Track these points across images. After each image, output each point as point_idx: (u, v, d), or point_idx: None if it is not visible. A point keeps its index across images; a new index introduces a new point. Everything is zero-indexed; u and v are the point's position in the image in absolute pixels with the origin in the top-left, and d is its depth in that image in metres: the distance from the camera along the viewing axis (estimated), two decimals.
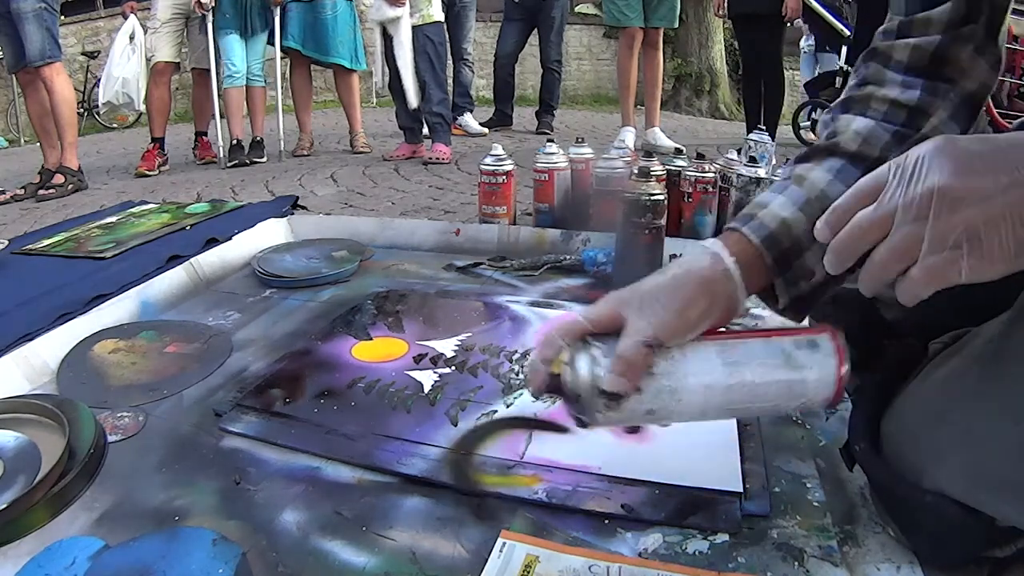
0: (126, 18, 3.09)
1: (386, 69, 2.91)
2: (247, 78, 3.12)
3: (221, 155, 3.11)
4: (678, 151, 1.59)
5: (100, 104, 3.08)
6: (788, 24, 3.29)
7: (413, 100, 2.84)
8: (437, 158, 2.88)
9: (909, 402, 0.59)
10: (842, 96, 0.64)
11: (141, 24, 3.12)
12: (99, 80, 3.10)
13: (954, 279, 0.40)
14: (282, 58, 3.34)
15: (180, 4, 3.06)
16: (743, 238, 0.56)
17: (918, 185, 0.41)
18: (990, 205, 0.39)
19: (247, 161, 3.08)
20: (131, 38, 3.03)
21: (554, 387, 0.54)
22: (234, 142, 3.11)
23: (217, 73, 3.07)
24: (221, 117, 3.13)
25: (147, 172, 3.05)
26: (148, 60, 3.10)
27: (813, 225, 0.50)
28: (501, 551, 0.57)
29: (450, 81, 3.91)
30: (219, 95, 3.09)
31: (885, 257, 0.43)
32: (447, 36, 3.22)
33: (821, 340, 0.55)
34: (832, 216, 0.46)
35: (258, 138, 3.20)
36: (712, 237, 0.62)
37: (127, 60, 3.01)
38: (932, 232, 0.40)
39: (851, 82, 0.64)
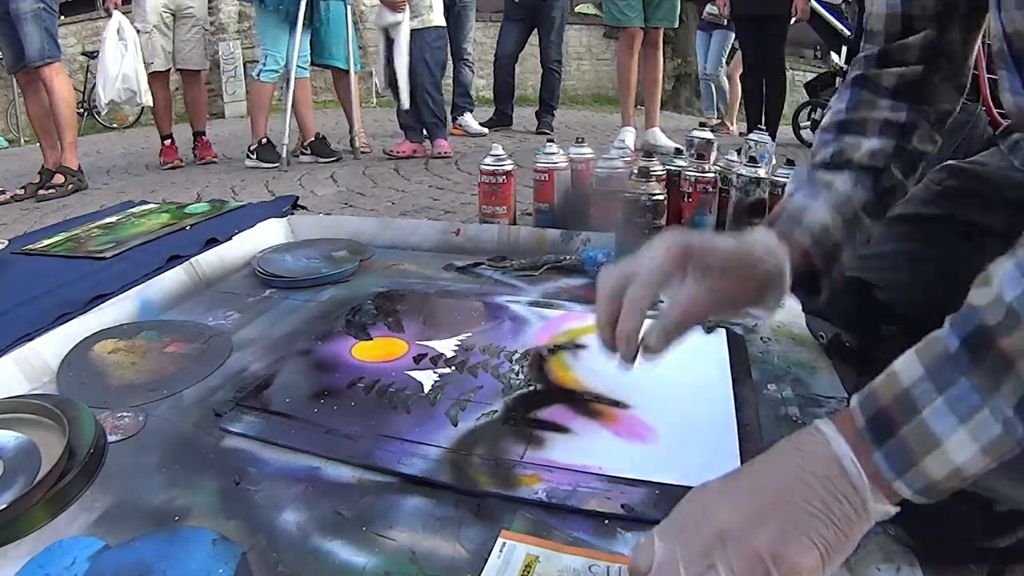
0: (110, 15, 3.03)
1: (387, 70, 2.93)
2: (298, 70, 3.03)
3: (284, 154, 2.98)
4: (678, 151, 1.59)
5: (103, 105, 3.04)
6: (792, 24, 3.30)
7: (405, 102, 2.91)
8: (442, 153, 3.00)
9: None
10: (834, 117, 0.70)
11: (128, 19, 3.07)
12: (83, 101, 3.07)
13: None
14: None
15: (169, 4, 3.06)
16: (793, 239, 0.60)
17: (697, 539, 0.43)
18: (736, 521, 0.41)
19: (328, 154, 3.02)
20: (119, 34, 3.00)
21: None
22: (264, 140, 3.02)
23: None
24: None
25: (178, 163, 3.15)
26: (146, 64, 3.10)
27: (846, 224, 0.61)
28: (501, 551, 0.57)
29: (450, 81, 3.92)
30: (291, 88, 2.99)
31: None
32: (448, 38, 3.28)
33: None
34: None
35: (321, 135, 3.14)
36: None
37: (121, 57, 2.96)
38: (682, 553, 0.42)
39: (841, 103, 0.71)
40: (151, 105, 3.19)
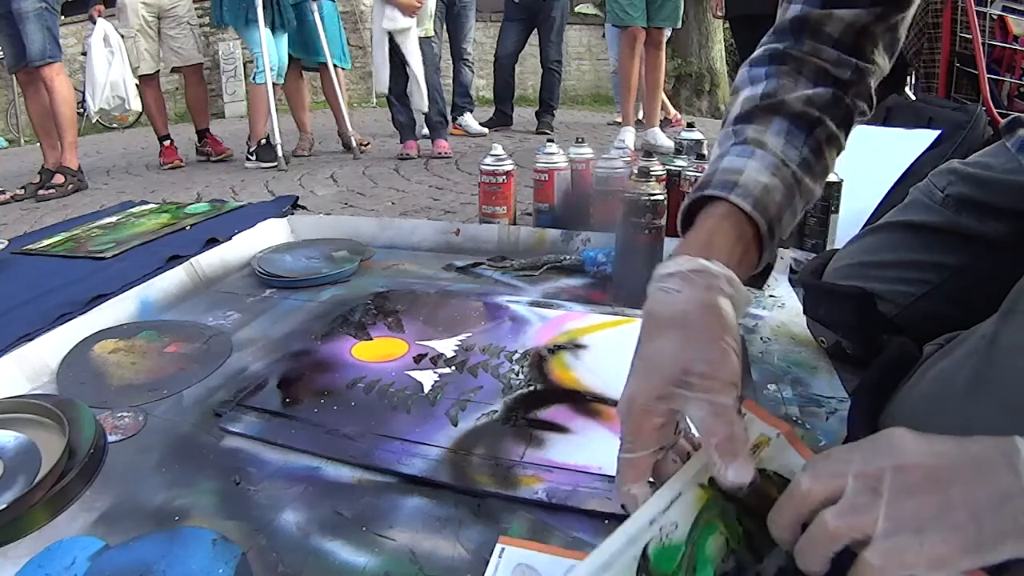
0: (94, 22, 3.04)
1: (392, 75, 2.94)
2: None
3: (280, 154, 2.97)
4: (678, 151, 1.59)
5: (93, 112, 3.05)
6: None
7: (423, 104, 2.96)
8: (443, 153, 3.03)
9: (907, 397, 0.59)
10: (766, 52, 0.62)
11: (112, 26, 3.08)
12: (83, 90, 3.07)
13: (915, 568, 0.34)
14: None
15: (150, 6, 3.06)
16: (731, 206, 0.52)
17: (875, 461, 0.38)
18: (950, 493, 0.35)
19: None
20: (105, 43, 3.00)
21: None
22: (263, 141, 3.03)
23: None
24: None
25: (178, 163, 3.16)
26: (133, 69, 3.10)
27: (787, 191, 0.53)
28: (500, 557, 0.57)
29: (450, 81, 3.93)
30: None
31: (836, 524, 0.37)
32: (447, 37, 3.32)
33: None
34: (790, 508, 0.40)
35: (268, 140, 3.14)
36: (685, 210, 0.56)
37: (108, 65, 2.98)
38: (887, 509, 0.35)
39: (778, 42, 0.62)
40: (139, 111, 3.19)
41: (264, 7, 2.87)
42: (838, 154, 0.61)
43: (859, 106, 0.61)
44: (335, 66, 3.29)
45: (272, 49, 2.97)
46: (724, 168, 0.55)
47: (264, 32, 2.89)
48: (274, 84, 3.01)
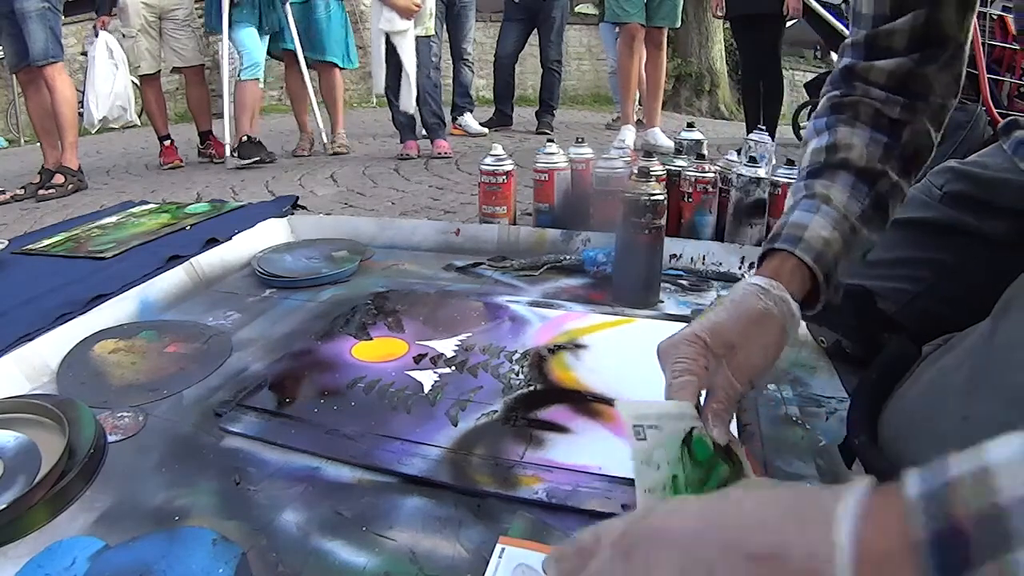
0: (97, 34, 3.03)
1: (388, 74, 2.94)
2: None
3: (227, 153, 3.07)
4: (678, 151, 1.59)
5: (95, 122, 3.03)
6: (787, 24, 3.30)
7: (411, 105, 2.94)
8: (443, 153, 3.03)
9: (907, 395, 0.60)
10: (827, 102, 0.68)
11: (116, 34, 3.08)
12: (83, 98, 3.07)
13: None
14: (275, 59, 3.35)
15: (152, 7, 3.06)
16: (794, 259, 0.60)
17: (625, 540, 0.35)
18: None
19: (268, 160, 3.06)
20: (109, 54, 3.00)
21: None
22: (244, 139, 3.05)
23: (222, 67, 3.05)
24: (223, 114, 3.12)
25: (178, 163, 3.17)
26: (134, 68, 3.10)
27: (844, 239, 0.60)
28: (500, 557, 0.57)
29: (450, 81, 3.93)
30: (228, 89, 3.06)
31: None
32: (447, 37, 3.31)
33: None
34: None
35: (250, 138, 3.16)
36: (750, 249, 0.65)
37: (112, 76, 2.99)
38: None
39: (834, 90, 0.69)
40: (138, 123, 3.20)
41: (247, 8, 2.92)
42: (903, 201, 0.67)
43: (920, 143, 0.65)
44: (336, 66, 3.29)
45: (256, 46, 3.00)
46: (792, 223, 0.62)
47: (248, 32, 2.95)
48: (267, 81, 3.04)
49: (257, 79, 3.06)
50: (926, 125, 0.65)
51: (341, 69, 3.35)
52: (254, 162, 2.99)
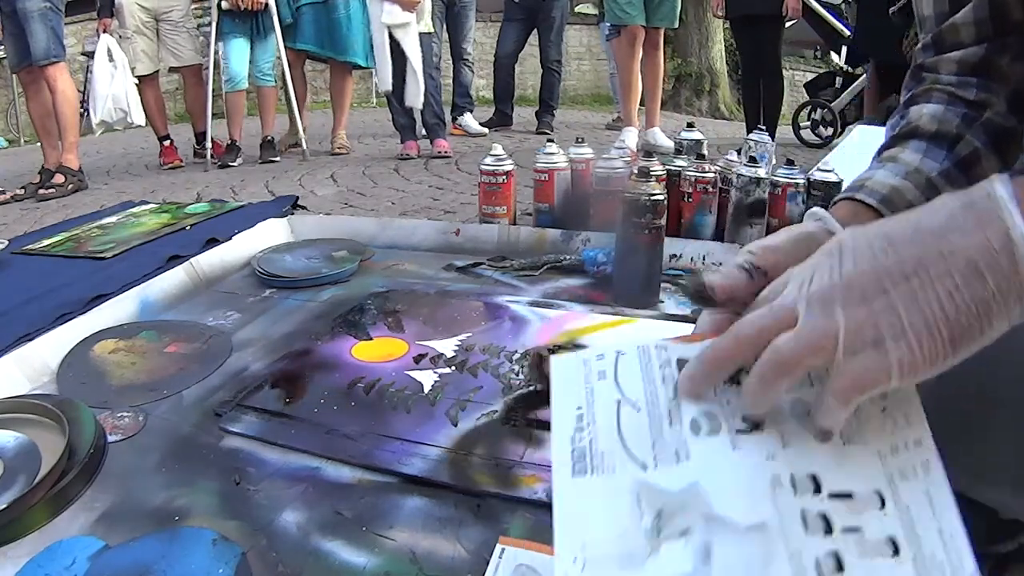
0: (99, 36, 3.05)
1: (393, 71, 2.94)
2: (258, 78, 3.14)
3: (208, 157, 3.11)
4: (678, 151, 1.59)
5: (95, 125, 3.04)
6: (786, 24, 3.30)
7: (418, 101, 2.91)
8: (443, 153, 3.02)
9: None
10: (901, 106, 0.63)
11: (115, 35, 3.10)
12: (84, 101, 3.08)
13: (883, 381, 0.33)
14: (278, 58, 3.35)
15: (147, 8, 3.06)
16: (858, 204, 0.54)
17: (821, 280, 0.35)
18: (907, 287, 0.33)
19: (269, 159, 3.09)
20: (109, 57, 3.01)
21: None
22: (230, 142, 3.11)
23: (213, 76, 3.10)
24: (215, 117, 3.15)
25: (178, 163, 3.19)
26: (132, 69, 3.11)
27: (921, 189, 0.53)
28: (500, 557, 0.57)
29: (450, 81, 3.93)
30: (213, 96, 3.13)
31: (793, 349, 0.34)
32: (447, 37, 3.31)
33: None
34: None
35: (270, 137, 3.18)
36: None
37: (111, 78, 2.99)
38: (846, 325, 0.33)
39: (906, 90, 0.63)
40: (142, 124, 3.20)
41: (242, 18, 2.96)
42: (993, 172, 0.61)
43: (1005, 124, 0.59)
44: (350, 67, 3.29)
45: (239, 60, 3.05)
46: (852, 184, 0.56)
47: (235, 44, 3.01)
48: (271, 87, 3.14)
49: (240, 91, 3.11)
50: (1006, 109, 0.58)
51: (358, 69, 3.35)
52: (225, 165, 3.06)
